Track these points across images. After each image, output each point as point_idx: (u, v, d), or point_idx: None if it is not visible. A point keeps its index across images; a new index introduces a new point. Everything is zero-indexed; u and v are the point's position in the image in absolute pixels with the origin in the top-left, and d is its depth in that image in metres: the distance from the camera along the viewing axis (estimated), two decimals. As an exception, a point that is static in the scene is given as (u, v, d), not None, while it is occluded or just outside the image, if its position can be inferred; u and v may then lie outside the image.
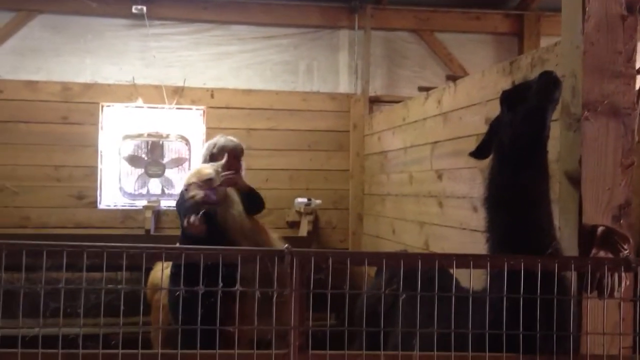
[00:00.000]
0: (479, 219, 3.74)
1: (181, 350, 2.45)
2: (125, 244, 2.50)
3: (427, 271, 2.34)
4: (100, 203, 6.30)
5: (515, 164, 2.33)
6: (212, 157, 4.44)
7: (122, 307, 2.51)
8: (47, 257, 2.44)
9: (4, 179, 6.06)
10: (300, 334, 2.48)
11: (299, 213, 6.37)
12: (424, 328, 2.41)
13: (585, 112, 2.48)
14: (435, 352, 2.35)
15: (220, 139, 4.56)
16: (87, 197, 6.22)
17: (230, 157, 4.31)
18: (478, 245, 3.70)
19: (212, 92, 6.51)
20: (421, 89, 5.07)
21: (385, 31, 6.88)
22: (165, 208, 6.32)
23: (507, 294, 2.22)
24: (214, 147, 4.51)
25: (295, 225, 6.43)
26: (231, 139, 4.55)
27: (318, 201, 6.21)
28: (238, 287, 2.56)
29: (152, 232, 6.04)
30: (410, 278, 2.42)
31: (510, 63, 3.53)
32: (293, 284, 2.52)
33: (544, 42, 6.68)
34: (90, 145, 6.24)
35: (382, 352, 2.40)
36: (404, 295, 2.37)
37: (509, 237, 2.39)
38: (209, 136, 6.40)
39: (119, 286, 2.55)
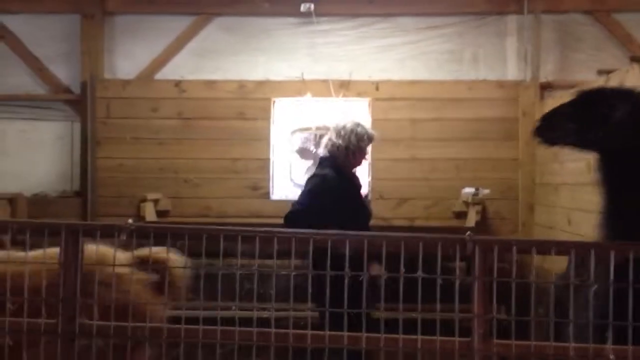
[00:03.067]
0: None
1: (366, 334, 2.54)
2: (312, 230, 2.64)
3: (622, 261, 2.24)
4: (272, 194, 6.62)
5: None
6: (349, 149, 4.51)
7: (309, 291, 2.66)
8: (242, 243, 2.63)
9: (188, 171, 6.55)
10: (484, 322, 2.47)
11: (466, 203, 6.28)
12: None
13: None
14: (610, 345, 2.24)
15: (368, 130, 4.59)
16: (261, 188, 6.56)
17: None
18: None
19: (377, 85, 6.59)
20: (601, 72, 4.79)
21: (556, 14, 6.58)
22: (333, 199, 6.50)
23: None
24: (363, 139, 4.54)
25: (462, 215, 6.34)
26: (371, 130, 4.62)
27: (486, 190, 6.07)
28: (420, 273, 2.60)
29: (321, 222, 6.23)
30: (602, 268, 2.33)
31: None
32: (476, 272, 2.52)
33: None
34: (263, 139, 6.57)
35: (571, 345, 2.34)
36: (595, 287, 2.28)
37: None
38: (374, 127, 6.47)
39: (307, 271, 2.70)
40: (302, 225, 3.70)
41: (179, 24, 6.76)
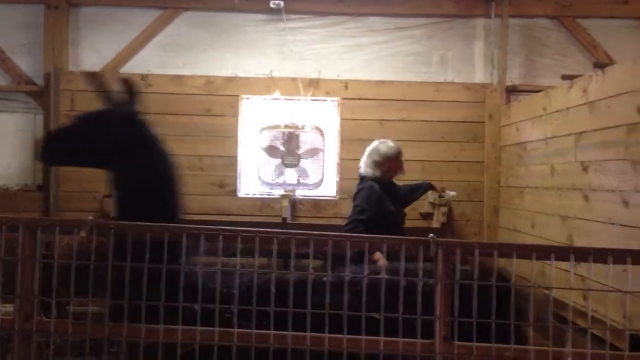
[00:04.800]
0: (630, 214, 3.57)
1: (329, 334, 2.54)
2: (276, 230, 2.62)
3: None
4: (239, 191, 6.57)
5: None
6: (376, 163, 5.12)
7: (272, 290, 2.63)
8: (205, 240, 2.60)
9: (153, 167, 6.45)
10: (446, 324, 2.48)
11: (432, 205, 6.32)
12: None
13: None
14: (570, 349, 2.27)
15: (381, 147, 5.15)
16: (228, 185, 6.51)
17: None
18: (628, 241, 3.54)
19: (346, 84, 6.59)
20: (565, 77, 4.85)
21: (523, 18, 6.66)
22: (300, 197, 6.50)
23: None
24: (376, 155, 5.13)
25: (428, 216, 6.38)
26: (389, 145, 5.16)
27: (452, 192, 6.10)
28: (383, 274, 2.60)
29: (288, 221, 6.22)
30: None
31: (668, 49, 3.32)
32: (438, 274, 2.53)
33: (700, 26, 6.21)
34: (230, 136, 6.52)
35: (532, 348, 2.36)
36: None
37: None
38: (343, 127, 6.52)
39: (270, 271, 2.67)
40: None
41: (145, 17, 6.67)
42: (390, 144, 5.19)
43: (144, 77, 6.50)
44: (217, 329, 2.52)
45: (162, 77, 6.54)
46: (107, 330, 2.57)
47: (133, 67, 6.66)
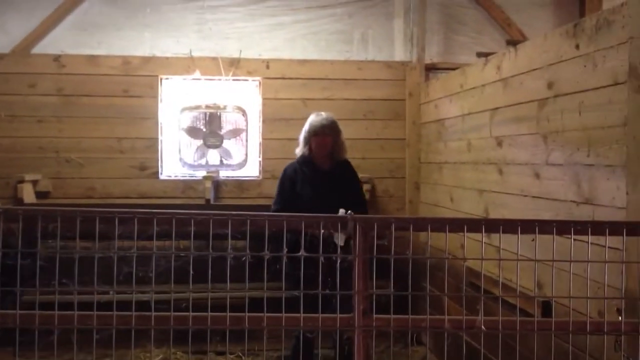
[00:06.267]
0: (541, 186, 3.71)
1: (249, 314, 2.53)
2: (194, 211, 2.58)
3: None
4: (161, 174, 6.45)
5: None
6: (303, 140, 4.92)
7: (191, 272, 2.60)
8: (119, 224, 2.54)
9: (69, 151, 6.25)
10: (364, 299, 2.52)
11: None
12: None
13: (656, 74, 2.42)
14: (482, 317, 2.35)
15: (313, 120, 4.88)
16: (149, 168, 6.37)
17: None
18: (540, 212, 3.68)
19: (267, 63, 6.54)
20: (480, 54, 4.98)
21: (441, -3, 6.79)
22: (224, 178, 6.44)
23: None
24: (303, 130, 4.93)
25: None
26: (318, 122, 4.86)
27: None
28: (302, 252, 2.61)
29: (212, 202, 6.16)
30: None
31: (574, 25, 3.44)
32: (357, 250, 2.56)
33: (607, 5, 6.46)
34: (150, 118, 6.37)
35: (447, 317, 2.43)
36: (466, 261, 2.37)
37: None
38: (265, 107, 6.48)
39: (188, 252, 2.63)
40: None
41: (57, -6, 6.41)
42: (322, 116, 4.86)
43: (57, 57, 6.27)
44: (133, 313, 2.48)
45: (76, 58, 6.31)
46: (17, 318, 2.49)
47: (45, 47, 6.38)
